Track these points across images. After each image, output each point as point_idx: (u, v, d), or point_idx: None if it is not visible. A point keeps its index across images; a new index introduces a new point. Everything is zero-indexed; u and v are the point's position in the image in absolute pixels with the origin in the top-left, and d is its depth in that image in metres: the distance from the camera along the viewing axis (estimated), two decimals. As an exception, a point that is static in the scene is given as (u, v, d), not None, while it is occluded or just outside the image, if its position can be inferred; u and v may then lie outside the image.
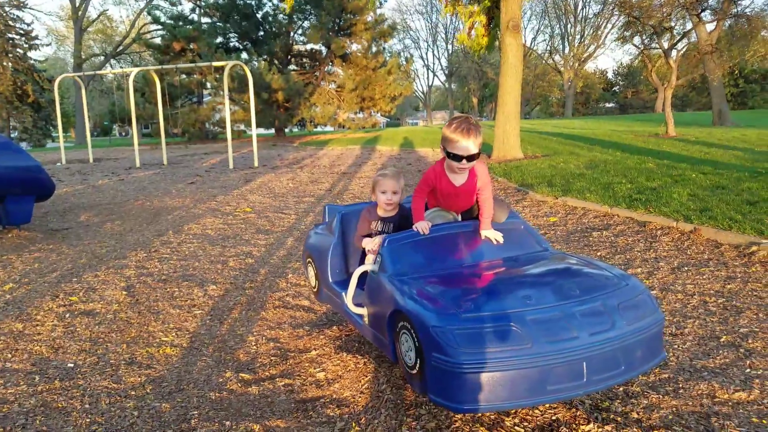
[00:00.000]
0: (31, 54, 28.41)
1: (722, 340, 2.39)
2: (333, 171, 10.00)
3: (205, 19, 23.37)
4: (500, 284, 1.83)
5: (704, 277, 3.18)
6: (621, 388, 2.03)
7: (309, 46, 23.04)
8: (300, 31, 23.21)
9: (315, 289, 2.62)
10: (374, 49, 22.18)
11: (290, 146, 17.95)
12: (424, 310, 1.61)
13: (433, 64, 57.23)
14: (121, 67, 33.08)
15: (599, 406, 1.92)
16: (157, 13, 22.95)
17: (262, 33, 22.68)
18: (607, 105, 48.38)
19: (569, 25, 41.60)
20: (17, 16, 27.32)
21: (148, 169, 11.42)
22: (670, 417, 1.82)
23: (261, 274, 3.79)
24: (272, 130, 23.98)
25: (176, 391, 2.18)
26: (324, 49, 22.25)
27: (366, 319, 2.04)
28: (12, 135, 28.43)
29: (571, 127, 18.72)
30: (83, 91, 15.04)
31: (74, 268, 3.95)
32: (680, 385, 2.03)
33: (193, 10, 23.85)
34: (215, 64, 13.42)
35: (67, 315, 3.02)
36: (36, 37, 27.94)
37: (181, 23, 21.98)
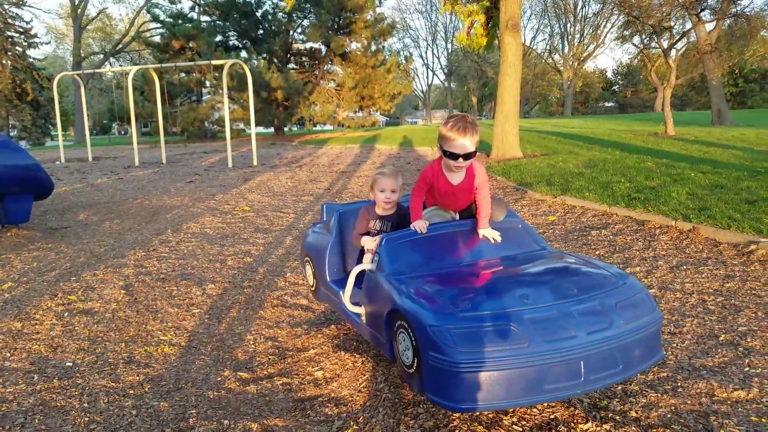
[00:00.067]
0: (31, 52, 28.30)
1: (721, 338, 2.39)
2: (332, 170, 9.99)
3: (204, 18, 23.33)
4: (498, 283, 1.83)
5: (703, 275, 3.19)
6: (619, 387, 2.03)
7: (308, 45, 23.02)
8: (299, 30, 23.18)
9: (313, 288, 2.62)
10: (373, 47, 22.16)
11: (289, 145, 17.93)
12: (421, 309, 1.61)
13: (433, 63, 57.38)
14: (120, 66, 33.03)
15: (597, 404, 1.92)
16: (157, 11, 22.91)
17: (261, 31, 22.64)
18: (607, 104, 48.39)
19: (569, 25, 41.59)
20: (16, 14, 27.25)
21: (147, 167, 11.41)
22: (669, 416, 1.82)
23: (259, 273, 3.79)
24: (271, 129, 23.96)
25: (174, 390, 2.18)
26: (323, 48, 22.23)
27: (363, 318, 2.04)
28: (11, 133, 28.37)
29: (571, 126, 18.72)
30: (82, 90, 15.02)
31: (73, 267, 3.95)
32: (679, 384, 2.03)
33: (192, 9, 23.84)
34: (214, 62, 13.39)
35: (66, 314, 3.01)
36: (35, 35, 27.87)
37: (180, 21, 21.94)
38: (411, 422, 1.84)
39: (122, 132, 41.84)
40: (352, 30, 21.02)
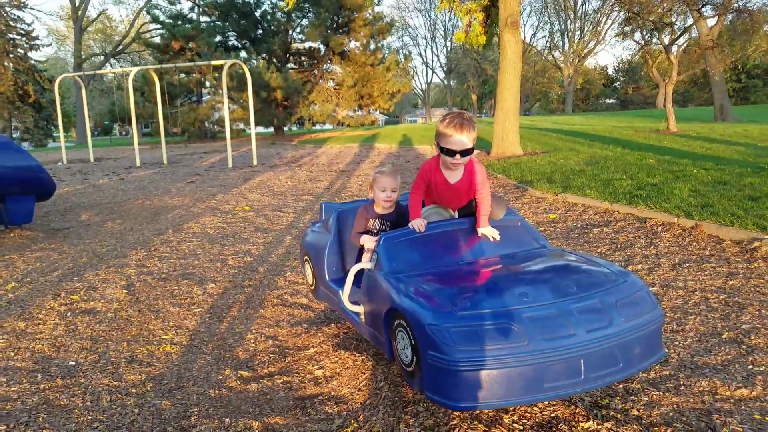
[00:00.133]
0: (32, 54, 28.46)
1: (724, 336, 2.38)
2: (331, 169, 9.99)
3: (203, 18, 23.34)
4: (497, 282, 1.82)
5: (706, 273, 3.17)
6: (621, 385, 2.02)
7: (307, 44, 23.01)
8: (298, 30, 23.16)
9: (312, 287, 2.62)
10: (372, 46, 22.13)
11: (289, 145, 17.94)
12: (419, 308, 1.61)
13: (432, 61, 57.20)
14: (120, 67, 33.05)
15: (599, 403, 1.91)
16: (156, 12, 22.94)
17: (260, 31, 22.64)
18: (608, 101, 48.22)
19: (569, 21, 41.41)
20: (18, 16, 27.33)
21: (148, 168, 11.43)
22: (671, 414, 1.81)
23: (260, 272, 3.79)
24: (271, 129, 23.98)
25: (176, 389, 2.19)
26: (322, 47, 22.22)
27: (362, 316, 2.04)
28: (14, 135, 28.48)
29: (571, 123, 18.66)
30: (83, 91, 15.05)
31: (75, 267, 3.96)
32: (681, 382, 2.02)
33: (192, 9, 23.83)
34: (214, 63, 13.40)
35: (69, 314, 3.03)
36: (36, 38, 27.96)
37: (180, 22, 21.96)
38: (411, 420, 1.84)
39: (123, 133, 41.94)
40: (351, 28, 21.00)
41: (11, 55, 26.58)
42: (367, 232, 2.25)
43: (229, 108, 14.24)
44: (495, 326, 1.51)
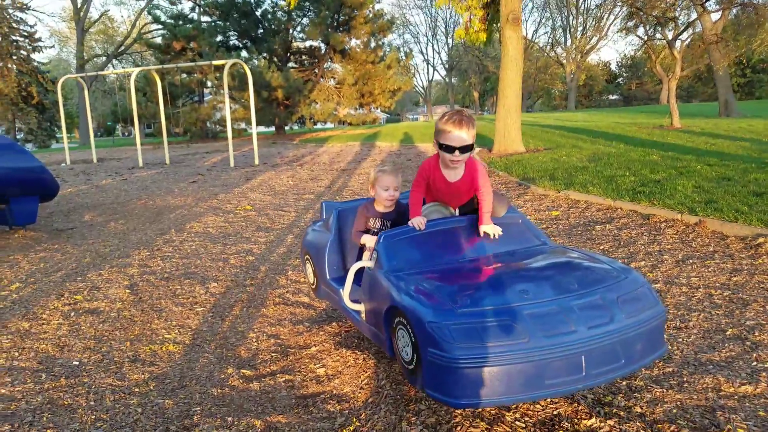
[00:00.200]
0: (35, 56, 28.56)
1: (728, 333, 2.36)
2: (333, 168, 9.99)
3: (204, 18, 23.36)
4: (497, 279, 1.82)
5: (709, 269, 3.15)
6: (624, 383, 2.01)
7: (308, 43, 23.00)
8: (299, 28, 23.15)
9: (313, 286, 2.63)
10: (373, 44, 22.10)
11: (290, 144, 17.95)
12: (420, 306, 1.61)
13: (433, 58, 57.00)
14: (122, 67, 33.19)
15: (602, 400, 1.90)
16: (158, 12, 22.99)
17: (261, 31, 22.64)
18: (611, 97, 47.95)
19: (571, 17, 41.15)
20: (21, 18, 27.45)
21: (150, 168, 11.47)
22: (675, 411, 1.81)
23: (261, 271, 3.80)
24: (272, 128, 23.99)
25: (179, 388, 2.20)
26: (323, 46, 22.20)
27: (363, 315, 2.04)
28: (17, 136, 28.64)
29: (574, 119, 18.57)
30: (86, 92, 15.11)
31: (79, 268, 3.98)
32: (685, 379, 2.01)
33: (192, 9, 23.86)
34: (215, 62, 13.41)
35: (72, 314, 3.04)
36: (39, 39, 28.08)
37: (181, 22, 21.99)
38: (413, 419, 1.84)
39: (126, 133, 42.10)
40: (351, 26, 20.97)
41: (14, 57, 26.73)
42: (367, 231, 2.25)
43: (230, 108, 14.26)
44: (495, 323, 1.50)
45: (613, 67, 48.21)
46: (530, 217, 4.87)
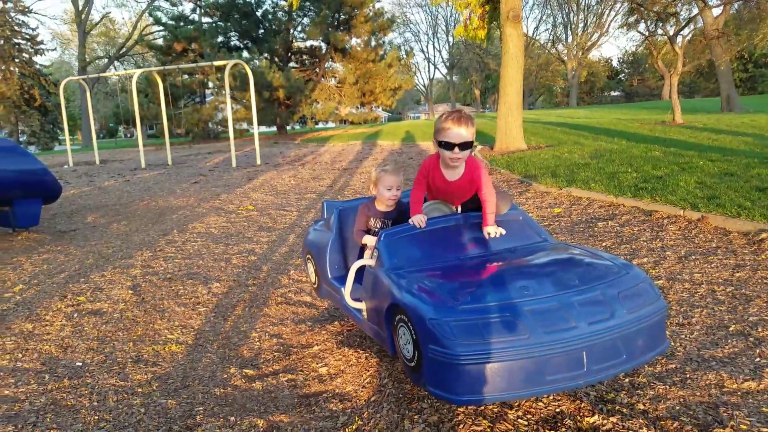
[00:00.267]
0: (37, 58, 28.68)
1: (731, 329, 2.35)
2: (334, 167, 10.00)
3: (205, 19, 23.39)
4: (497, 276, 1.82)
5: (712, 265, 3.13)
6: (627, 379, 2.00)
7: (309, 43, 23.00)
8: (299, 28, 23.16)
9: (315, 285, 2.63)
10: (374, 42, 22.08)
11: (292, 143, 17.97)
12: (420, 303, 1.61)
13: (434, 56, 56.85)
14: (124, 69, 33.26)
15: (604, 397, 1.90)
16: (159, 14, 23.03)
17: (262, 31, 22.65)
18: (613, 93, 47.75)
19: (572, 14, 40.98)
20: (23, 21, 27.58)
21: (153, 169, 11.51)
22: (678, 408, 1.80)
23: (263, 271, 3.81)
24: (274, 128, 24.02)
25: (182, 388, 2.20)
26: (324, 45, 22.20)
27: (365, 313, 2.04)
28: (20, 139, 28.78)
29: (576, 116, 18.51)
30: (88, 94, 15.18)
31: (82, 269, 4.00)
32: (688, 376, 2.01)
33: (193, 11, 23.89)
34: (216, 63, 13.43)
35: (75, 315, 3.06)
36: (41, 42, 28.21)
37: (182, 24, 22.03)
38: (415, 417, 1.84)
39: (128, 135, 42.23)
40: (352, 25, 20.95)
41: (17, 60, 26.85)
42: (368, 230, 2.25)
43: (232, 108, 14.29)
44: (496, 320, 1.50)
45: (615, 63, 48.06)
46: (532, 214, 4.86)
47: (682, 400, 1.85)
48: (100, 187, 8.89)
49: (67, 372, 2.37)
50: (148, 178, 9.83)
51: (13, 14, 26.93)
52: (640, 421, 1.74)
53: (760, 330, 2.32)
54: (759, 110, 15.45)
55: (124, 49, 32.63)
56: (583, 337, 1.49)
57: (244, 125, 22.99)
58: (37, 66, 28.52)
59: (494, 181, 2.10)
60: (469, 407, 1.84)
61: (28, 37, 27.57)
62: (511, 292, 1.60)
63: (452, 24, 44.27)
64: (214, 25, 22.68)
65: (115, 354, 2.54)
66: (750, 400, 1.82)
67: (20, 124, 29.06)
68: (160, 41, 23.65)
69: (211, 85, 21.91)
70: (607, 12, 37.40)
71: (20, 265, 4.16)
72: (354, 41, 21.65)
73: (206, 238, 4.85)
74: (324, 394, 2.10)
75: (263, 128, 25.72)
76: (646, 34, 14.13)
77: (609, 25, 38.97)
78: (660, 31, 14.12)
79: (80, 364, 2.45)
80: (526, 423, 1.76)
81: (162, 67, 15.88)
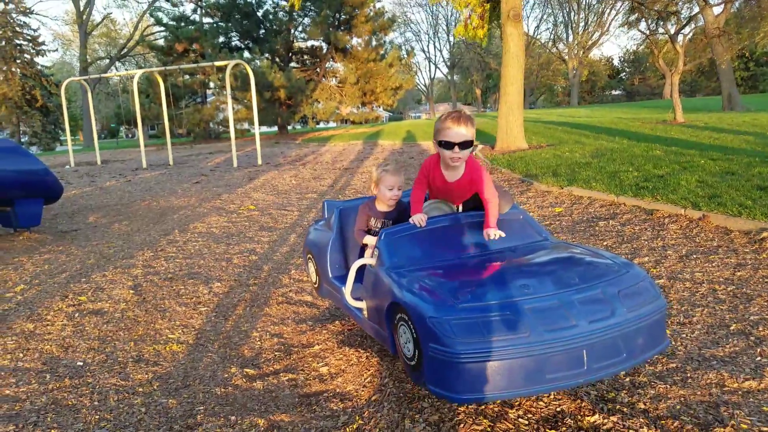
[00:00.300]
0: (39, 59, 28.77)
1: (732, 328, 2.35)
2: (335, 167, 10.00)
3: (206, 19, 23.41)
4: (497, 274, 1.82)
5: (713, 264, 3.13)
6: (627, 378, 2.00)
7: (309, 43, 23.02)
8: (300, 28, 23.17)
9: (316, 285, 2.63)
10: (374, 42, 22.08)
11: (293, 143, 17.98)
12: (421, 302, 1.61)
13: (435, 56, 56.77)
14: (125, 70, 33.33)
15: (605, 396, 1.90)
16: (160, 14, 23.05)
17: (263, 31, 22.67)
18: (614, 92, 47.68)
19: (572, 13, 40.91)
20: (24, 22, 27.65)
21: (154, 169, 11.52)
22: (678, 407, 1.80)
23: (264, 270, 3.81)
24: (275, 128, 24.05)
25: (182, 387, 2.21)
26: (324, 45, 22.21)
27: (365, 312, 2.05)
28: (22, 139, 28.86)
29: (577, 115, 18.48)
30: (89, 94, 15.19)
31: (83, 269, 4.01)
32: (688, 375, 2.00)
33: (194, 11, 23.91)
34: (217, 63, 13.44)
35: (77, 314, 3.06)
36: (43, 43, 28.29)
37: (183, 24, 22.06)
38: (416, 416, 1.84)
39: (130, 135, 42.30)
40: (352, 25, 20.96)
41: (18, 61, 26.93)
42: (369, 230, 2.25)
43: (233, 108, 14.30)
44: (496, 318, 1.50)
45: (616, 62, 48.00)
46: (533, 213, 4.86)
47: (682, 399, 1.85)
48: (101, 188, 8.91)
49: (68, 371, 2.37)
50: (149, 178, 9.84)
51: (14, 15, 27.00)
52: (641, 420, 1.73)
53: (760, 329, 2.31)
54: (760, 109, 15.40)
55: (126, 50, 32.68)
56: (584, 335, 1.49)
57: (245, 125, 23.01)
58: (39, 67, 28.60)
59: (495, 181, 2.09)
60: (470, 406, 1.84)
61: (29, 37, 27.65)
62: (512, 291, 1.60)
63: (453, 23, 44.23)
64: (215, 25, 22.70)
65: (116, 353, 2.54)
66: (751, 400, 1.82)
67: (22, 125, 29.14)
68: (161, 42, 23.68)
69: (212, 85, 21.92)
70: (608, 11, 37.37)
71: (21, 265, 4.17)
72: (355, 41, 21.67)
73: (207, 238, 4.86)
74: (325, 393, 2.10)
75: (264, 128, 25.76)
76: (647, 32, 14.10)
77: (610, 24, 38.94)
78: (661, 30, 14.09)
79: (81, 363, 2.45)
80: (526, 422, 1.76)
81: (163, 68, 15.89)
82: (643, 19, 13.80)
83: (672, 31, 13.14)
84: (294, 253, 4.24)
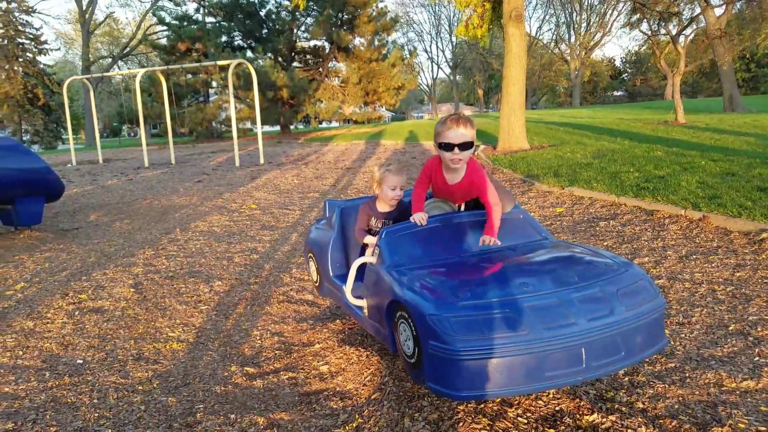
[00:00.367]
0: (41, 58, 28.84)
1: (731, 328, 2.35)
2: (337, 166, 10.01)
3: (209, 19, 23.45)
4: (497, 272, 1.82)
5: (713, 265, 3.13)
6: (626, 378, 2.01)
7: (312, 43, 23.05)
8: (303, 28, 23.19)
9: (317, 284, 2.64)
10: (377, 42, 22.10)
11: (295, 143, 18.00)
12: (421, 299, 1.62)
13: (437, 56, 56.74)
14: (128, 69, 33.39)
15: (604, 396, 1.90)
16: (162, 14, 23.09)
17: (265, 31, 22.70)
18: (616, 93, 47.64)
19: (575, 14, 40.87)
20: (26, 21, 27.73)
21: (156, 168, 11.54)
22: (677, 406, 1.80)
23: (265, 269, 3.82)
24: (277, 127, 24.08)
25: (182, 386, 2.21)
26: (327, 45, 22.23)
27: (366, 310, 2.05)
28: (24, 138, 28.94)
29: (579, 116, 18.46)
30: (92, 93, 15.23)
31: (84, 267, 4.02)
32: (687, 374, 2.01)
33: (197, 10, 23.95)
34: (220, 63, 13.47)
35: (77, 312, 3.07)
36: (45, 42, 28.36)
37: (185, 23, 22.10)
38: (416, 415, 1.84)
39: (132, 134, 42.36)
40: (355, 25, 20.98)
41: (21, 60, 27.01)
42: (369, 230, 2.25)
43: (235, 107, 14.32)
44: (496, 316, 1.51)
45: (618, 63, 47.91)
46: (534, 213, 4.86)
47: (681, 398, 1.85)
48: (103, 186, 8.93)
49: (68, 369, 2.38)
50: (151, 177, 9.86)
51: (17, 14, 27.07)
52: (639, 419, 1.74)
53: (759, 329, 2.31)
54: (761, 110, 15.37)
55: (128, 49, 32.74)
56: (582, 333, 1.50)
57: (248, 124, 23.05)
58: (41, 65, 28.67)
59: (497, 180, 2.09)
60: (469, 405, 1.85)
61: (32, 36, 27.72)
62: (511, 289, 1.61)
63: (455, 24, 44.22)
64: (217, 24, 22.74)
65: (116, 352, 2.55)
66: (748, 399, 1.82)
67: (24, 123, 29.22)
68: (163, 41, 23.71)
69: (214, 84, 21.95)
70: (610, 12, 37.32)
71: (22, 263, 4.18)
72: (357, 41, 21.70)
73: (209, 237, 4.87)
74: (325, 392, 2.11)
75: (267, 127, 25.81)
76: (649, 33, 14.08)
77: (612, 25, 38.90)
78: (663, 31, 14.07)
79: (81, 361, 2.46)
80: (525, 421, 1.77)
81: (166, 67, 15.92)
82: (645, 20, 13.79)
83: (674, 32, 13.13)
84: (295, 252, 4.25)
